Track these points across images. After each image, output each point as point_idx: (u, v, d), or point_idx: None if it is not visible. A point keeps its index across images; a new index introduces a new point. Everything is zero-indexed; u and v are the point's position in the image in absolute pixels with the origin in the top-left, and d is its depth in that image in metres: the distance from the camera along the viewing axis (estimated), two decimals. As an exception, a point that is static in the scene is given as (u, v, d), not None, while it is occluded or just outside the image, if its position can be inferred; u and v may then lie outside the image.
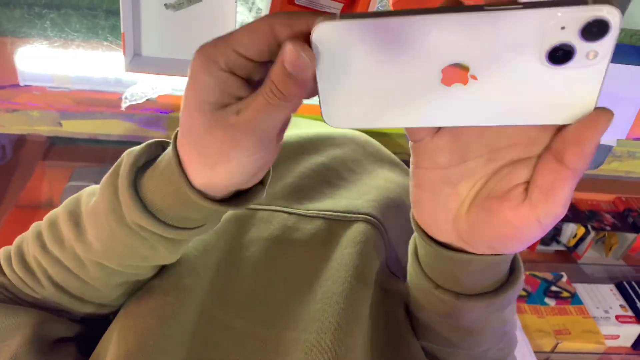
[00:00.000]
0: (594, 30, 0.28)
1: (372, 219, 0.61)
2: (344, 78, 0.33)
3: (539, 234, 0.36)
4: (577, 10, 0.27)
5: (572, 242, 1.43)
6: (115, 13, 0.68)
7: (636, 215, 1.47)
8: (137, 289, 0.51)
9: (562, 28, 0.28)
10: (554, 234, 1.44)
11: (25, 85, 0.73)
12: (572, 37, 0.28)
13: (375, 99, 0.34)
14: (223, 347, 0.48)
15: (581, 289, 1.33)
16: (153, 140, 0.44)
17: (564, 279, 1.35)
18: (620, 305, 1.30)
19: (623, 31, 0.72)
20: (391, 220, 0.64)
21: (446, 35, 0.30)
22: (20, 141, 1.40)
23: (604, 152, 0.80)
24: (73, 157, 1.39)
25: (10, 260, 0.50)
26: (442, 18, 0.29)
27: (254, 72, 0.35)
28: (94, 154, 1.39)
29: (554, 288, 1.32)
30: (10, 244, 0.52)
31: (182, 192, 0.39)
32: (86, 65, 0.71)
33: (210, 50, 0.34)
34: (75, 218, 0.46)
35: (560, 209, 0.34)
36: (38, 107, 0.76)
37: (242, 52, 0.33)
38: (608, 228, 1.43)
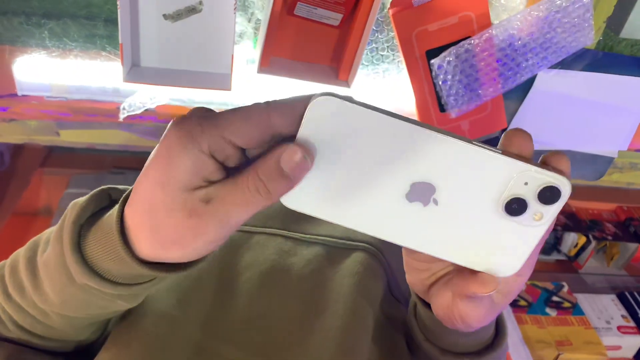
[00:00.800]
0: (548, 194, 0.31)
1: (371, 247, 0.60)
2: (321, 161, 0.32)
3: (462, 328, 0.39)
4: (544, 173, 0.31)
5: (573, 252, 1.43)
6: (114, 22, 0.67)
7: (638, 225, 1.46)
8: (122, 317, 0.49)
9: (525, 184, 0.31)
10: (554, 243, 1.44)
11: (23, 95, 0.72)
12: (530, 194, 0.32)
13: (341, 190, 0.33)
14: None
15: (582, 299, 1.32)
16: (99, 189, 0.41)
17: (565, 289, 1.34)
18: (622, 316, 1.29)
19: (624, 41, 0.72)
20: (391, 247, 0.63)
21: (431, 154, 0.32)
22: (18, 148, 1.40)
23: (605, 164, 0.80)
24: (71, 164, 1.39)
25: None
26: (432, 136, 0.31)
27: (233, 158, 0.32)
28: (92, 161, 1.39)
29: (555, 298, 1.32)
30: (8, 250, 0.51)
31: (126, 261, 0.36)
32: (84, 75, 0.70)
33: (194, 130, 0.31)
34: (32, 266, 0.43)
35: (481, 322, 0.38)
36: (36, 116, 0.75)
37: (231, 139, 0.31)
38: (610, 238, 1.43)
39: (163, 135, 0.32)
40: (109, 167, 1.38)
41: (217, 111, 0.32)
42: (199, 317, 0.50)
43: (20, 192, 1.34)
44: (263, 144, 0.32)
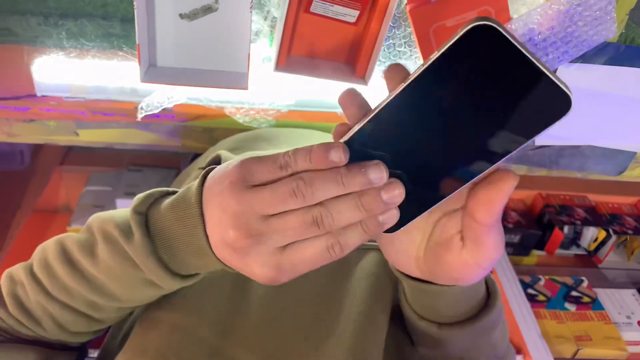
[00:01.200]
0: None
1: None
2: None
3: (481, 274, 0.40)
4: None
5: (593, 246, 1.41)
6: (130, 22, 0.68)
7: (659, 218, 1.44)
8: (140, 322, 0.52)
9: None
10: (574, 238, 1.42)
11: (42, 96, 0.73)
12: None
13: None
14: None
15: (602, 294, 1.31)
16: (130, 216, 0.46)
17: (585, 283, 1.33)
18: (643, 310, 1.27)
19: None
20: None
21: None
22: (37, 147, 1.41)
23: (627, 158, 0.78)
24: (90, 162, 1.41)
25: (4, 304, 0.51)
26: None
27: None
28: (110, 159, 1.41)
29: (574, 293, 1.30)
30: (29, 247, 0.53)
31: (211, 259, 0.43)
32: (102, 75, 0.71)
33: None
34: (80, 274, 0.48)
35: (493, 253, 0.38)
36: (55, 116, 0.76)
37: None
38: (630, 232, 1.41)
39: (218, 229, 0.39)
40: (127, 165, 1.40)
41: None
42: (214, 322, 0.50)
43: (40, 190, 1.36)
44: None
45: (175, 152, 1.22)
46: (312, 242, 0.37)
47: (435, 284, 0.44)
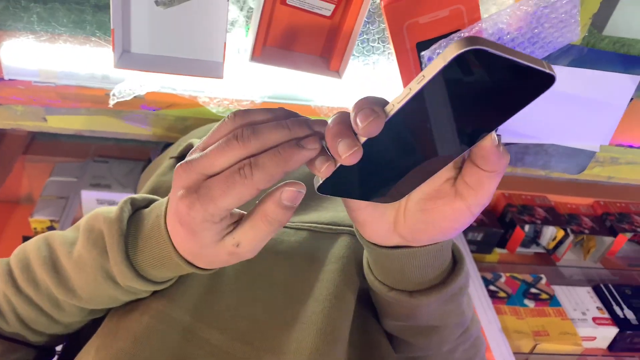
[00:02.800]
0: None
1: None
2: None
3: (470, 220, 0.42)
4: None
5: (552, 245, 1.46)
6: (103, 8, 0.67)
7: (614, 219, 1.50)
8: (114, 310, 0.52)
9: None
10: (534, 237, 1.46)
11: (10, 80, 0.71)
12: None
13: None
14: None
15: (560, 291, 1.35)
16: (123, 201, 0.48)
17: (543, 281, 1.37)
18: (597, 308, 1.32)
19: (606, 38, 0.74)
20: None
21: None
22: (0, 135, 1.37)
23: (587, 158, 0.82)
24: (54, 152, 1.38)
25: None
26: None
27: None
28: (76, 150, 1.38)
29: (533, 290, 1.34)
30: None
31: (182, 267, 0.44)
32: (73, 61, 0.70)
33: (196, 214, 0.39)
34: (52, 264, 0.49)
35: (487, 200, 0.40)
36: (22, 101, 0.74)
37: (227, 208, 0.38)
38: (587, 231, 1.46)
39: (171, 205, 0.42)
40: (92, 156, 1.37)
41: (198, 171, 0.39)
42: (187, 304, 0.51)
43: (2, 180, 1.32)
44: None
45: (143, 143, 1.20)
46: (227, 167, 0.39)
47: (411, 246, 0.45)
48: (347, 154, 0.35)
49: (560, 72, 0.71)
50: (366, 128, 0.34)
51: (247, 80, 0.71)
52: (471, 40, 0.28)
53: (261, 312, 0.52)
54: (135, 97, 0.70)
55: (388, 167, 0.38)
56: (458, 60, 0.29)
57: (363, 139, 0.35)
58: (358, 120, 0.34)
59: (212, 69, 0.63)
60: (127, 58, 0.61)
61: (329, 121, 0.37)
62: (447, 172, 0.41)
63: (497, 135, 0.37)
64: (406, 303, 0.49)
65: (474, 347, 0.61)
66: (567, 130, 0.77)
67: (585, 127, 0.76)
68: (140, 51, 0.62)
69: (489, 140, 0.36)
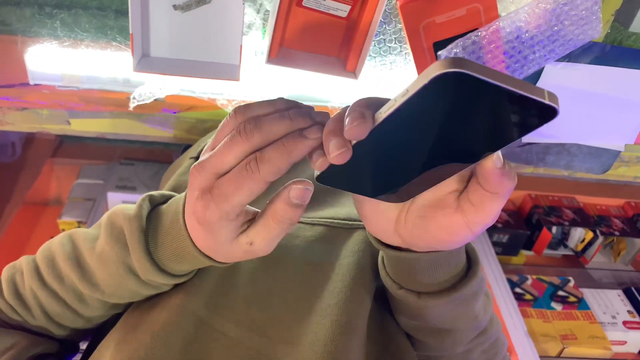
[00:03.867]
0: None
1: None
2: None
3: (469, 237, 0.40)
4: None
5: (580, 247, 1.43)
6: (124, 13, 0.68)
7: (645, 221, 1.46)
8: (135, 306, 0.54)
9: None
10: (562, 239, 1.44)
11: (35, 84, 0.73)
12: None
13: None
14: (215, 354, 0.48)
15: (588, 294, 1.33)
16: (141, 199, 0.49)
17: (571, 283, 1.34)
18: (628, 311, 1.29)
19: (634, 35, 0.72)
20: None
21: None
22: (29, 139, 1.41)
23: (611, 157, 0.80)
24: (81, 155, 1.41)
25: (1, 289, 0.54)
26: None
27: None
28: (102, 152, 1.41)
29: (560, 292, 1.32)
30: (18, 240, 0.55)
31: (201, 260, 0.46)
32: (95, 65, 0.71)
33: (212, 213, 0.40)
34: (76, 259, 0.51)
35: (489, 220, 0.39)
36: (47, 105, 0.76)
37: (241, 204, 0.39)
38: (617, 233, 1.42)
39: (188, 205, 0.43)
40: (119, 158, 1.40)
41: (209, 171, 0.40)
42: (204, 297, 0.51)
43: (31, 182, 1.35)
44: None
45: (168, 145, 1.22)
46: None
47: (412, 251, 0.45)
48: (335, 154, 0.35)
49: (583, 70, 0.69)
50: (350, 131, 0.34)
51: (264, 82, 0.71)
52: (454, 62, 0.27)
53: (276, 305, 0.52)
54: (155, 100, 0.71)
55: (384, 170, 0.38)
56: (439, 81, 0.28)
57: (354, 141, 0.35)
58: (346, 122, 0.34)
59: (228, 72, 0.63)
60: (146, 62, 0.62)
61: (332, 116, 0.38)
62: (452, 184, 0.40)
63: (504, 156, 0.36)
64: (414, 303, 0.49)
65: (493, 348, 0.60)
66: (590, 130, 0.75)
67: (609, 126, 0.74)
68: (159, 55, 0.64)
69: (490, 162, 0.35)
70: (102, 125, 0.79)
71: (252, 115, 0.39)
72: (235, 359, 0.48)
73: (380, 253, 0.53)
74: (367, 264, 0.56)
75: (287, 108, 0.40)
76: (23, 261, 0.55)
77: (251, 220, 0.43)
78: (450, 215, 0.40)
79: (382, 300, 0.57)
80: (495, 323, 0.59)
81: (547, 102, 0.28)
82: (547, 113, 0.29)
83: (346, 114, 0.35)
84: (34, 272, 0.53)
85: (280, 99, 0.41)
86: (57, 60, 0.71)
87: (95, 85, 0.73)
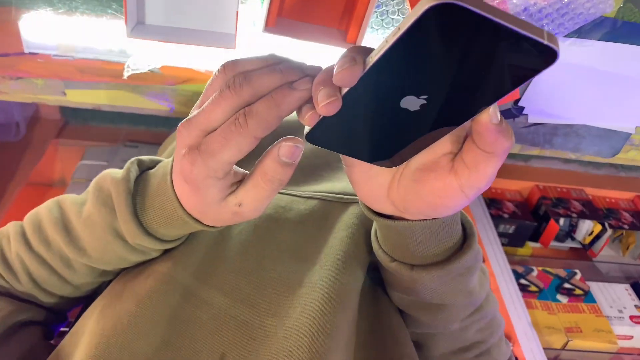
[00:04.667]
0: None
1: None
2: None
3: (463, 202, 0.38)
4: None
5: (588, 240, 1.40)
6: (121, -19, 0.67)
7: (656, 215, 1.43)
8: (120, 274, 0.53)
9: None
10: (569, 231, 1.41)
11: (30, 53, 0.72)
12: None
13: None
14: (201, 324, 0.47)
15: (595, 287, 1.30)
16: (130, 162, 0.48)
17: (578, 276, 1.32)
18: (635, 306, 1.26)
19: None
20: None
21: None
22: (34, 119, 1.41)
23: (621, 140, 0.77)
24: (86, 137, 1.40)
25: None
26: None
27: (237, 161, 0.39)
28: (107, 134, 1.40)
29: (566, 285, 1.29)
30: (21, 220, 0.54)
31: (190, 224, 0.44)
32: (91, 34, 0.70)
33: (199, 170, 0.38)
34: (63, 224, 0.50)
35: (483, 183, 0.37)
36: (42, 74, 0.75)
37: (230, 161, 0.38)
38: (626, 227, 1.40)
39: (175, 164, 0.41)
40: (123, 140, 1.40)
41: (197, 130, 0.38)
42: (193, 265, 0.50)
43: (34, 163, 1.35)
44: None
45: (173, 127, 1.21)
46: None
47: (407, 219, 0.43)
48: (324, 103, 0.33)
49: (593, 46, 0.67)
50: (339, 75, 0.32)
51: (261, 53, 0.69)
52: None
53: (266, 276, 0.51)
54: (151, 71, 0.70)
55: (377, 129, 0.36)
56: (430, 16, 0.26)
57: (344, 90, 0.33)
58: (336, 67, 0.32)
59: (224, 40, 0.62)
60: (140, 29, 0.61)
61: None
62: (447, 145, 0.38)
63: (508, 110, 0.34)
64: (407, 276, 0.47)
65: (489, 327, 0.58)
66: (600, 110, 0.72)
67: (619, 106, 0.72)
68: (154, 22, 0.62)
69: (486, 115, 0.33)
70: (99, 97, 0.78)
71: (241, 70, 0.38)
72: (222, 329, 0.47)
73: (374, 226, 0.51)
74: (361, 239, 0.54)
75: (278, 62, 0.38)
76: (10, 226, 0.54)
77: (240, 181, 0.41)
78: (443, 178, 0.38)
79: (376, 276, 0.55)
80: (491, 301, 0.58)
81: (546, 42, 0.26)
82: (546, 56, 0.27)
83: (336, 61, 0.33)
84: (20, 237, 0.52)
85: (272, 55, 0.39)
86: (52, 29, 0.70)
87: (90, 54, 0.71)
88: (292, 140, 0.39)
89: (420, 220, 0.43)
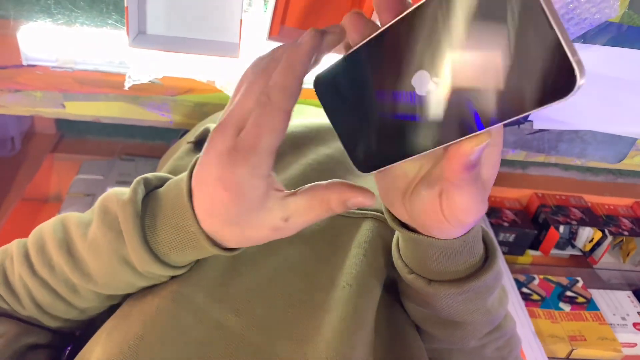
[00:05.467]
0: None
1: (381, 214, 0.57)
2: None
3: (451, 231, 0.38)
4: None
5: (588, 247, 1.40)
6: (121, -8, 0.66)
7: (655, 221, 1.43)
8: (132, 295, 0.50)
9: None
10: (569, 238, 1.41)
11: (29, 65, 0.71)
12: None
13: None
14: (214, 346, 0.45)
15: (597, 294, 1.30)
16: (135, 182, 0.45)
17: (580, 284, 1.31)
18: (638, 313, 1.26)
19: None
20: None
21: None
22: (29, 133, 1.39)
23: (627, 145, 0.77)
24: (82, 150, 1.39)
25: None
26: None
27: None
28: (103, 148, 1.39)
29: (569, 293, 1.29)
30: (16, 236, 0.52)
31: (201, 245, 0.42)
32: (90, 46, 0.69)
33: (244, 170, 0.36)
34: (67, 247, 0.47)
35: (463, 216, 0.36)
36: (41, 86, 0.74)
37: (273, 147, 0.36)
38: (626, 233, 1.39)
39: (206, 174, 0.38)
40: (119, 154, 1.38)
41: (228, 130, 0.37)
42: (203, 283, 0.48)
43: (30, 178, 1.33)
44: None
45: (169, 141, 1.20)
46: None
47: (425, 235, 0.41)
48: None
49: (598, 51, 0.66)
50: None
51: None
52: None
53: (279, 297, 0.49)
54: (152, 82, 0.69)
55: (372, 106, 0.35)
56: None
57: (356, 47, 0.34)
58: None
59: (228, 49, 0.61)
60: (141, 39, 0.60)
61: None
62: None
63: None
64: (424, 290, 0.46)
65: (508, 345, 0.57)
66: (605, 116, 0.72)
67: (625, 112, 0.71)
68: (155, 32, 0.61)
69: (468, 143, 0.31)
70: (98, 109, 0.76)
71: (262, 64, 0.38)
72: (234, 352, 0.45)
73: (396, 233, 0.49)
74: (375, 256, 0.53)
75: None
76: (14, 245, 0.51)
77: (281, 192, 0.39)
78: (432, 199, 0.37)
79: (391, 292, 0.54)
80: (510, 319, 0.56)
81: (572, 61, 0.24)
82: (564, 84, 0.25)
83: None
84: (24, 259, 0.49)
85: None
86: (51, 40, 0.69)
87: (90, 66, 0.70)
88: (362, 195, 0.39)
89: (438, 238, 0.41)
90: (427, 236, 0.41)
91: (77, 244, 0.47)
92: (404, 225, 0.44)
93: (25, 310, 0.50)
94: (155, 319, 0.45)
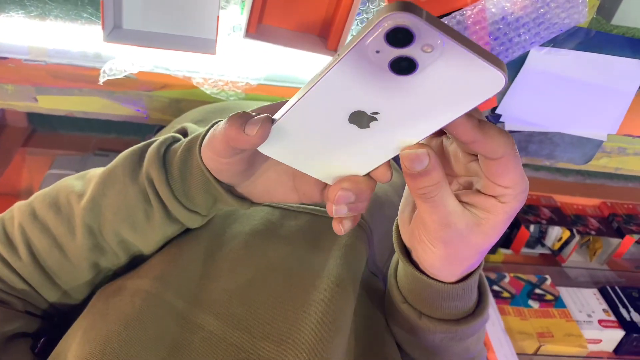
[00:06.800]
0: (399, 36, 0.27)
1: (362, 220, 0.58)
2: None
3: (436, 273, 0.42)
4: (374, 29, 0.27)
5: (557, 246, 1.43)
6: (97, -14, 0.65)
7: (621, 221, 1.47)
8: (106, 283, 0.51)
9: (377, 52, 0.28)
10: (539, 237, 1.44)
11: (1, 57, 0.70)
12: (389, 51, 0.28)
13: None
14: (194, 350, 0.45)
15: (565, 292, 1.32)
16: (163, 139, 0.50)
17: (548, 282, 1.34)
18: (603, 310, 1.29)
19: (616, 28, 0.71)
20: (376, 219, 0.62)
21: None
22: (0, 127, 1.36)
23: (594, 147, 0.79)
24: (54, 145, 1.36)
25: None
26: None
27: None
28: (76, 142, 1.36)
29: (537, 291, 1.31)
30: None
31: (229, 202, 0.46)
32: (64, 38, 0.68)
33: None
34: (79, 190, 0.50)
35: (437, 263, 0.41)
36: (13, 80, 0.73)
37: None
38: (593, 232, 1.43)
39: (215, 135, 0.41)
40: (93, 149, 1.36)
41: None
42: (183, 288, 0.48)
43: (1, 172, 1.31)
44: None
45: (144, 136, 1.19)
46: None
47: (426, 275, 0.43)
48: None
49: (567, 55, 0.68)
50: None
51: (242, 61, 0.69)
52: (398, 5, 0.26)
53: (259, 298, 0.50)
54: (127, 77, 0.68)
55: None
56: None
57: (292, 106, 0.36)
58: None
59: (204, 45, 0.61)
60: (117, 33, 0.60)
61: None
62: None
63: (485, 118, 0.35)
64: (413, 320, 0.47)
65: None
66: (573, 118, 0.74)
67: (592, 114, 0.74)
68: (131, 27, 0.61)
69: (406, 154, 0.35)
70: (72, 103, 0.75)
71: None
72: (216, 354, 0.45)
73: (394, 260, 0.51)
74: (355, 259, 0.54)
75: None
76: (19, 203, 0.52)
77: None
78: (415, 221, 0.41)
79: (370, 296, 0.55)
80: (483, 349, 0.58)
81: (493, 68, 0.27)
82: (494, 81, 0.28)
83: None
84: (26, 206, 0.50)
85: None
86: (23, 32, 0.67)
87: (64, 59, 0.69)
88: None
89: (439, 281, 0.43)
90: (429, 277, 0.43)
91: (93, 177, 0.51)
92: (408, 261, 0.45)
93: (21, 261, 0.50)
94: (137, 321, 0.45)
